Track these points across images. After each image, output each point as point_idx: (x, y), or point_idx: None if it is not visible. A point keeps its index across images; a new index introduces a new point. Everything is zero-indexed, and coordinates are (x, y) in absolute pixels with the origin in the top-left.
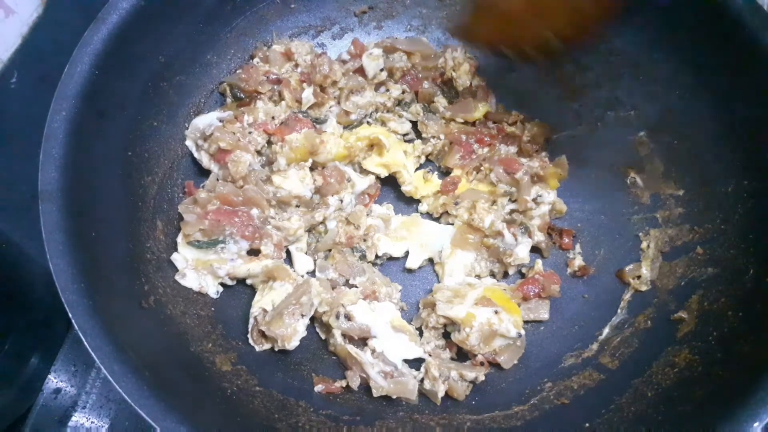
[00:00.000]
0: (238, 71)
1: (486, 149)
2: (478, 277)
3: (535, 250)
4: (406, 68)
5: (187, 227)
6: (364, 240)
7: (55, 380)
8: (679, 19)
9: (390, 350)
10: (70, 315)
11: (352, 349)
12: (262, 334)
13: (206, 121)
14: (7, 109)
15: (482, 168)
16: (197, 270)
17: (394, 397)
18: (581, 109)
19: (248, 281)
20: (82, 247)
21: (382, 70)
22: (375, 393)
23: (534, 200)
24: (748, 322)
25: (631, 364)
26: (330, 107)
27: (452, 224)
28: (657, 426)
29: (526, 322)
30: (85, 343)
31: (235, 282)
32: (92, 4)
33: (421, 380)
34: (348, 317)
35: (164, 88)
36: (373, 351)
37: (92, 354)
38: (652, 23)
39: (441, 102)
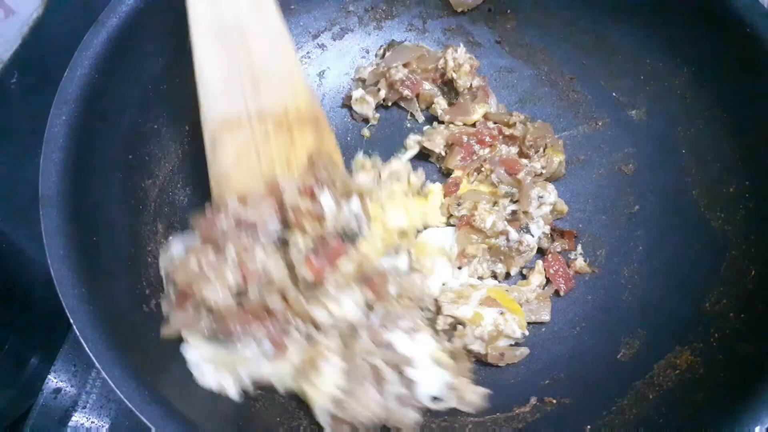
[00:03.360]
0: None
1: (487, 150)
2: (480, 278)
3: (537, 251)
4: (404, 78)
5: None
6: None
7: (55, 380)
8: (680, 19)
9: (424, 384)
10: (72, 320)
11: (380, 363)
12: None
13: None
14: (7, 110)
15: (483, 169)
16: (215, 366)
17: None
18: (581, 109)
19: (280, 390)
20: (83, 251)
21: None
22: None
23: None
24: (750, 324)
25: (632, 365)
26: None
27: (454, 225)
28: (658, 428)
29: (527, 323)
30: (86, 348)
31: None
32: (92, 4)
33: None
34: (389, 347)
35: (164, 91)
36: (404, 376)
37: (93, 359)
38: (653, 22)
39: (440, 104)
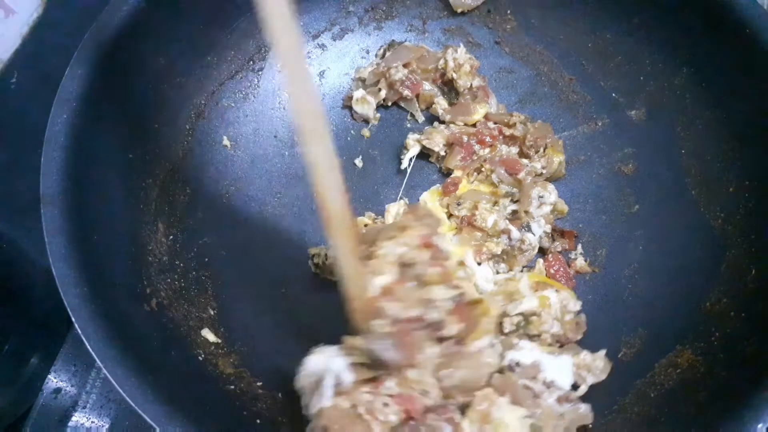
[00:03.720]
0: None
1: (487, 150)
2: None
3: (537, 251)
4: (404, 78)
5: None
6: None
7: (55, 380)
8: (679, 19)
9: (560, 378)
10: (73, 319)
11: (527, 382)
12: None
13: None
14: (7, 109)
15: (483, 169)
16: None
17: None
18: (581, 110)
19: None
20: (84, 250)
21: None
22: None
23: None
24: (751, 323)
25: (633, 364)
26: None
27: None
28: (660, 426)
29: None
30: (88, 347)
31: None
32: (92, 4)
33: None
34: (519, 365)
35: (164, 90)
36: (544, 382)
37: (95, 358)
38: (652, 22)
39: (441, 104)
